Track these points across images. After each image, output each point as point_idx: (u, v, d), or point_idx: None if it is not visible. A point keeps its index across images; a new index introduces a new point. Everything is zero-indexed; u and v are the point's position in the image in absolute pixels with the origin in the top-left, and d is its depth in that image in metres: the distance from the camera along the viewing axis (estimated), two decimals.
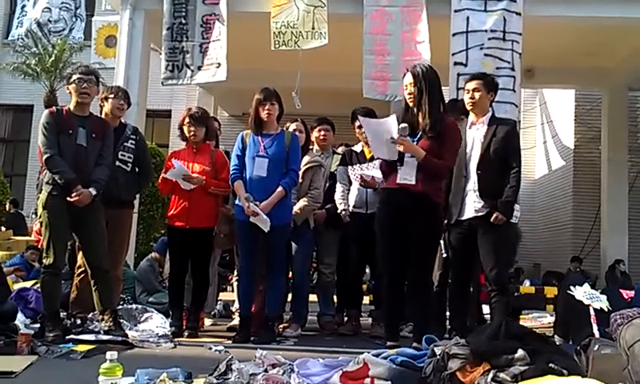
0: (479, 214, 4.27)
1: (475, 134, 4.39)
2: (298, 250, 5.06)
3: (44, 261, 4.25)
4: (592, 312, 3.82)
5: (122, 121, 5.01)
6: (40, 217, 4.29)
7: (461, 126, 4.54)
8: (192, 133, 4.85)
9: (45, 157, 4.19)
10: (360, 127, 5.27)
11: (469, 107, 4.43)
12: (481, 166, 4.29)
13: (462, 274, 4.48)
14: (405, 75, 4.35)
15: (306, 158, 5.02)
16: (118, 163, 4.74)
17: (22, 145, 15.27)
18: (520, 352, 2.79)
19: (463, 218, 4.35)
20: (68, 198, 4.14)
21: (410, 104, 4.27)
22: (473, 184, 4.31)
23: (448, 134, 4.20)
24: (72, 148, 4.23)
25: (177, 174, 4.70)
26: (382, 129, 4.25)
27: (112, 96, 4.82)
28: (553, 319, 5.59)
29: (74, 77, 4.35)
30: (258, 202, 4.43)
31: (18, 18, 15.77)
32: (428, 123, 4.16)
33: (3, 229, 10.61)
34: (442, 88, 4.40)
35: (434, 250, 4.38)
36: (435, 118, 4.17)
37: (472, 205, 4.31)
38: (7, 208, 11.61)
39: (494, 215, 4.20)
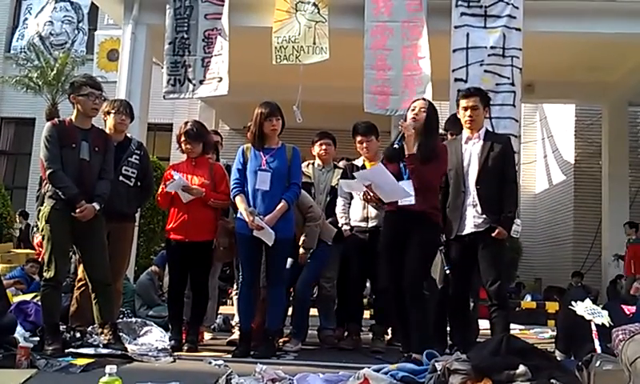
0: (479, 229, 4.27)
1: (472, 149, 4.40)
2: (307, 265, 5.04)
3: (45, 274, 4.24)
4: (593, 327, 3.80)
5: (128, 135, 5.02)
6: (42, 230, 4.27)
7: (454, 140, 4.58)
8: (188, 149, 4.87)
9: (48, 172, 4.18)
10: (361, 142, 5.29)
11: (467, 125, 4.44)
12: (479, 181, 4.31)
13: (461, 288, 4.48)
14: (418, 100, 4.44)
15: None
16: (121, 178, 4.73)
17: (24, 158, 15.29)
18: (521, 368, 2.79)
19: (463, 234, 4.35)
20: (72, 214, 4.14)
21: (412, 128, 4.23)
22: (472, 199, 4.32)
23: (437, 157, 4.23)
24: (75, 162, 4.23)
25: (176, 186, 4.71)
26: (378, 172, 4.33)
27: (114, 111, 4.82)
28: (554, 334, 5.57)
29: (85, 90, 4.32)
30: (262, 216, 4.43)
31: (20, 31, 15.88)
32: (421, 151, 4.18)
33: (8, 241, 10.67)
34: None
35: (427, 264, 4.34)
36: (429, 148, 4.19)
37: (472, 220, 4.31)
38: (18, 220, 11.67)
39: (496, 230, 4.21)
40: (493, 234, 4.21)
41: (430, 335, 4.25)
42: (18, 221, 11.75)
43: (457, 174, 4.40)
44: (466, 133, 4.47)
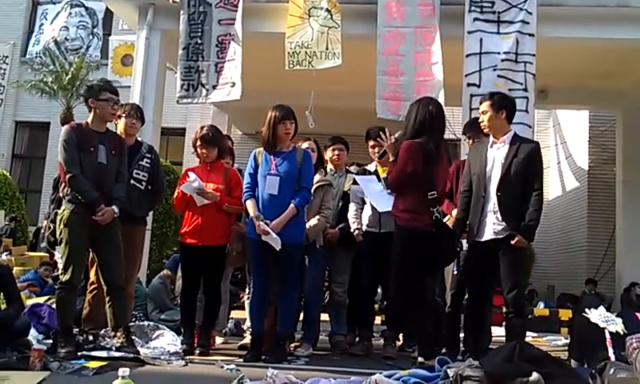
0: (499, 236, 4.20)
1: (496, 154, 4.33)
2: (309, 269, 5.04)
3: (61, 277, 4.27)
4: (607, 335, 3.77)
5: (138, 139, 5.05)
6: (60, 233, 4.29)
7: (481, 144, 4.54)
8: (204, 154, 4.90)
9: (68, 176, 4.21)
10: (373, 147, 5.29)
11: (485, 129, 4.43)
12: (501, 187, 4.22)
13: (478, 294, 4.43)
14: None
15: (316, 177, 5.02)
16: (132, 181, 4.75)
17: (38, 161, 15.44)
18: (535, 375, 2.78)
19: (482, 240, 4.28)
20: (93, 217, 4.17)
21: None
22: (492, 205, 4.24)
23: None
24: (94, 166, 4.27)
25: (191, 188, 4.72)
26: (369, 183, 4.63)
27: (124, 115, 4.85)
28: (567, 342, 5.53)
29: (105, 95, 4.35)
30: (268, 221, 4.43)
31: (36, 36, 16.06)
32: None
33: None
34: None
35: (397, 270, 4.32)
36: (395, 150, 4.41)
37: (491, 227, 4.24)
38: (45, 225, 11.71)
39: (516, 239, 4.12)
40: (512, 242, 4.13)
41: (425, 337, 4.26)
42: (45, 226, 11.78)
43: (479, 178, 4.34)
44: (491, 137, 4.42)
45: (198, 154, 4.95)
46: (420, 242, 4.21)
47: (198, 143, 4.89)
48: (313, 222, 4.94)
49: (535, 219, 4.18)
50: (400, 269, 4.27)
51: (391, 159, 4.50)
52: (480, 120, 4.40)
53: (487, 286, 4.43)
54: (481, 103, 4.47)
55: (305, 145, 5.06)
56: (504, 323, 4.51)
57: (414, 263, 4.23)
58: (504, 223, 4.18)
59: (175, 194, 4.91)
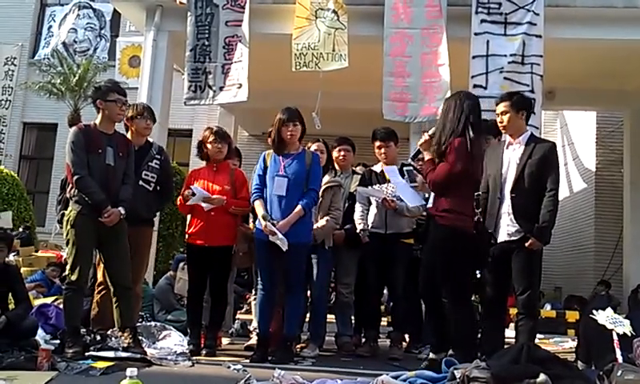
0: (512, 238, 4.17)
1: (511, 155, 4.29)
2: (317, 270, 5.05)
3: (68, 277, 4.29)
4: (615, 337, 3.75)
5: (150, 140, 5.05)
6: (67, 234, 4.32)
7: (497, 145, 4.50)
8: (217, 149, 4.90)
9: (75, 177, 4.23)
10: (380, 148, 5.30)
11: (502, 130, 4.39)
12: (515, 188, 4.18)
13: (496, 297, 4.35)
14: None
15: (325, 178, 5.03)
16: (141, 182, 4.77)
17: (46, 162, 15.51)
18: (542, 376, 2.77)
19: (497, 242, 4.25)
20: (100, 219, 4.19)
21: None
22: (507, 207, 4.20)
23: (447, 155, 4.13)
24: (101, 168, 4.29)
25: (197, 199, 4.74)
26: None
27: (138, 117, 4.87)
28: (574, 344, 5.50)
29: (113, 96, 4.37)
30: (275, 221, 4.44)
31: (45, 39, 16.14)
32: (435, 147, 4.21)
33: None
34: None
35: (442, 269, 4.16)
36: (442, 141, 4.16)
37: (505, 228, 4.20)
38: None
39: (529, 241, 4.09)
40: (526, 245, 4.10)
41: (439, 339, 4.26)
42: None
43: (494, 180, 4.31)
44: (508, 138, 4.38)
45: (211, 151, 4.94)
46: (462, 243, 4.09)
47: (212, 138, 4.90)
48: (321, 222, 4.95)
49: (549, 221, 4.11)
50: (443, 270, 4.13)
51: (427, 157, 4.30)
52: (499, 120, 4.35)
53: (504, 289, 4.38)
54: (497, 104, 4.40)
55: (314, 147, 5.08)
56: (513, 325, 4.49)
57: (461, 263, 4.12)
58: (517, 225, 4.15)
59: (177, 201, 4.91)
